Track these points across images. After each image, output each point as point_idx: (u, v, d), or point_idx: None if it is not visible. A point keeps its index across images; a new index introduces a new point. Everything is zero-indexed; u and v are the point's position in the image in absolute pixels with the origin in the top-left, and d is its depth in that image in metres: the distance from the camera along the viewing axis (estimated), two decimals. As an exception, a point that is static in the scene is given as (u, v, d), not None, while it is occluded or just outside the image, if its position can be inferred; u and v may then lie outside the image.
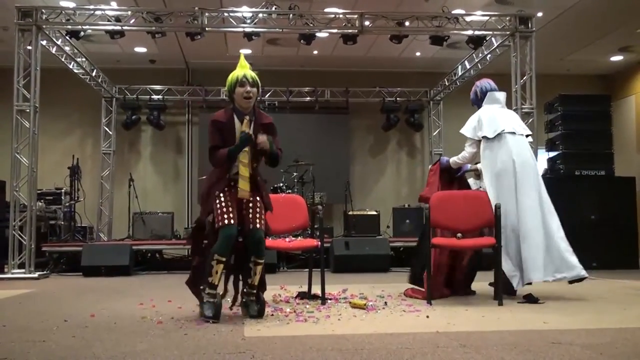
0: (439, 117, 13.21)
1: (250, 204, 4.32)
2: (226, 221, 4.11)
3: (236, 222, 4.16)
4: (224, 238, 4.10)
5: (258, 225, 4.26)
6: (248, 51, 11.76)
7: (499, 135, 5.33)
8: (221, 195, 4.22)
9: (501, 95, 5.66)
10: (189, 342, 3.31)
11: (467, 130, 5.54)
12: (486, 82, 5.74)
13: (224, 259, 4.11)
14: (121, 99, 12.57)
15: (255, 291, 4.30)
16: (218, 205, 4.17)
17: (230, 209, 4.17)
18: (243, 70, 4.37)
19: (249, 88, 4.32)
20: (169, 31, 9.34)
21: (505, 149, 5.28)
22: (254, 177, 4.40)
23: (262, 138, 4.29)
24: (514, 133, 5.36)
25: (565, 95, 9.49)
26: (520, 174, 5.19)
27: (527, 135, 5.50)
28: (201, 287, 4.21)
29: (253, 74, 4.39)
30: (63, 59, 10.22)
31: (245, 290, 4.34)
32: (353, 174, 12.76)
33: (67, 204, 10.35)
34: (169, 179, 12.97)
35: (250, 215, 4.28)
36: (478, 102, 5.70)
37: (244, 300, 4.34)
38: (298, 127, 12.49)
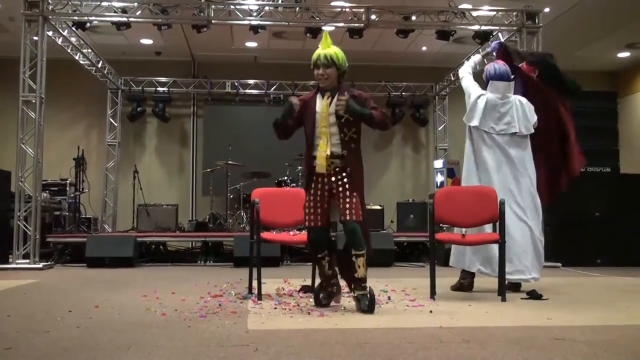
0: (444, 112, 13.18)
1: (340, 190, 4.27)
2: (312, 223, 4.30)
3: (323, 221, 4.33)
4: (310, 242, 4.38)
5: (348, 217, 4.22)
6: (254, 44, 11.76)
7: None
8: (311, 190, 4.36)
9: (501, 85, 5.45)
10: (192, 335, 3.32)
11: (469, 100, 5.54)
12: (492, 67, 5.57)
13: (317, 256, 4.39)
14: (127, 91, 12.57)
15: (364, 284, 4.23)
16: (306, 204, 4.36)
17: (318, 206, 4.32)
18: (322, 50, 4.40)
19: (321, 71, 4.37)
20: (175, 23, 9.33)
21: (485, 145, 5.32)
22: (340, 156, 4.32)
23: (339, 102, 4.26)
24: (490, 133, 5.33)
25: (572, 92, 9.44)
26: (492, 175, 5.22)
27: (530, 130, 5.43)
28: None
29: (330, 53, 4.37)
30: (69, 50, 10.21)
31: (353, 285, 4.31)
32: (358, 168, 12.71)
33: (72, 195, 10.37)
34: (174, 171, 12.98)
35: (341, 205, 4.26)
36: (485, 87, 5.61)
37: (355, 294, 4.29)
38: (303, 120, 12.46)
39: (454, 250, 5.48)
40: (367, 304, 4.15)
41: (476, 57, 5.86)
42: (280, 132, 4.48)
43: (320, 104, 4.37)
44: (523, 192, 5.21)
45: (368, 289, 4.20)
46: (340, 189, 4.27)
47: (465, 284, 5.37)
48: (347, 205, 4.23)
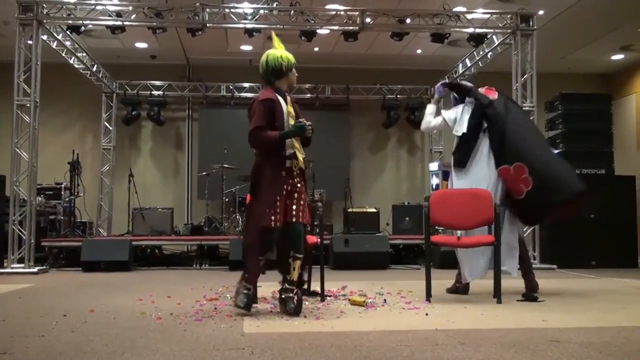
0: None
1: (296, 193, 4.29)
2: (278, 224, 4.17)
3: (282, 223, 4.21)
4: (266, 244, 4.22)
5: (301, 219, 4.25)
6: (249, 47, 11.76)
7: None
8: (276, 190, 4.23)
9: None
10: (188, 338, 3.32)
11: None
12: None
13: (262, 258, 4.23)
14: (121, 95, 12.56)
15: (293, 287, 4.24)
16: (271, 203, 4.21)
17: (279, 206, 4.20)
18: (288, 53, 4.47)
19: (296, 73, 4.51)
20: (169, 27, 9.34)
21: None
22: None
23: (310, 125, 4.35)
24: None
25: (566, 94, 9.49)
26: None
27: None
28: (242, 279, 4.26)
29: None
30: (64, 54, 10.21)
31: (284, 286, 4.31)
32: (353, 171, 12.74)
33: (66, 199, 10.35)
34: (169, 174, 12.96)
35: (294, 207, 4.26)
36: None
37: (282, 296, 4.29)
38: (298, 123, 12.47)
39: (466, 263, 5.30)
40: (293, 307, 4.15)
41: (429, 107, 5.82)
42: (280, 146, 4.30)
43: (285, 105, 4.38)
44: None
45: (295, 292, 4.21)
46: (298, 189, 4.31)
47: (460, 287, 5.38)
48: (301, 207, 4.28)
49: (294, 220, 4.24)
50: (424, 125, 5.80)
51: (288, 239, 4.26)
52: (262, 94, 4.34)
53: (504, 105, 5.36)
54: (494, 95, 5.45)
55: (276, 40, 4.57)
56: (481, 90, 5.53)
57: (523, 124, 5.42)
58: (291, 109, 4.38)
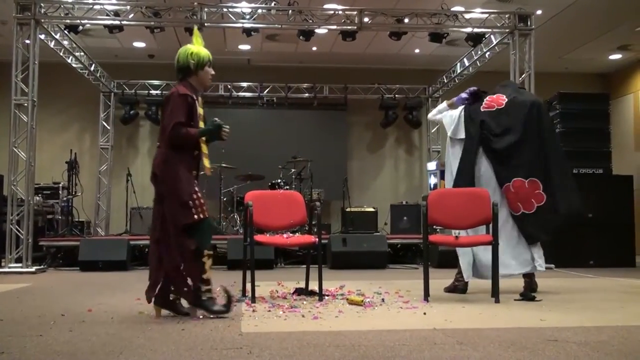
0: (438, 115, 13.18)
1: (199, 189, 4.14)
2: (207, 213, 4.04)
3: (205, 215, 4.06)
4: (210, 230, 4.11)
5: (207, 214, 4.11)
6: (247, 47, 11.75)
7: None
8: (195, 182, 4.13)
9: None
10: (186, 338, 3.31)
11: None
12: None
13: (211, 252, 4.10)
14: (119, 94, 12.55)
15: (210, 286, 4.09)
16: (195, 196, 4.03)
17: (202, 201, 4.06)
18: (206, 50, 4.34)
19: (212, 71, 4.36)
20: (167, 26, 9.34)
21: None
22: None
23: (226, 133, 4.25)
24: None
25: (564, 94, 9.49)
26: None
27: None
28: (193, 290, 3.99)
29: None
30: (61, 53, 10.19)
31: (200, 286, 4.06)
32: (351, 171, 12.74)
33: (64, 199, 10.34)
34: (167, 174, 12.92)
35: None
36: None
37: (204, 298, 4.07)
38: (296, 123, 12.50)
39: (467, 265, 5.30)
40: (215, 306, 4.02)
41: (443, 104, 5.84)
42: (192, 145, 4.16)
43: (199, 105, 4.26)
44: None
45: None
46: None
47: (459, 286, 5.38)
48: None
49: (207, 215, 4.09)
50: (430, 115, 6.03)
51: (201, 237, 4.05)
52: (182, 89, 4.18)
53: (511, 115, 5.31)
54: (501, 102, 5.42)
55: (196, 35, 4.43)
56: (490, 98, 5.50)
57: (542, 136, 5.32)
58: (202, 111, 4.26)
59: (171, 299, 4.14)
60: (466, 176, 5.32)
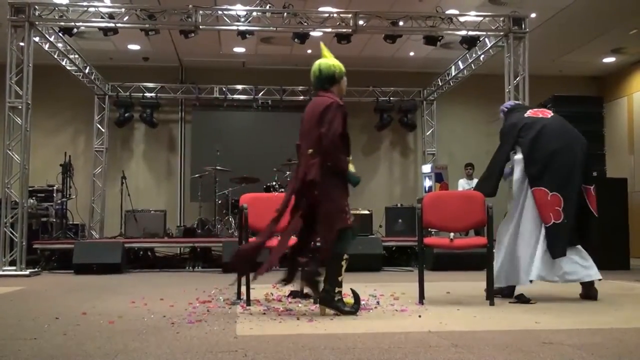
0: (432, 117, 13.21)
1: None
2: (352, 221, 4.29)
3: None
4: (353, 237, 4.31)
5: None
6: (242, 49, 11.75)
7: None
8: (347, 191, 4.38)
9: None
10: (181, 341, 3.31)
11: None
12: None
13: (348, 257, 4.30)
14: (114, 97, 12.53)
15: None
16: (347, 203, 4.32)
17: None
18: None
19: None
20: (162, 29, 9.33)
21: None
22: None
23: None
24: None
25: (558, 96, 9.51)
26: None
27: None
28: (325, 290, 4.23)
29: None
30: (56, 56, 10.18)
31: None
32: (346, 173, 12.70)
33: (59, 202, 10.31)
34: (162, 176, 12.93)
35: None
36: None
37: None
38: (291, 126, 12.33)
39: (502, 268, 5.13)
40: (346, 307, 4.26)
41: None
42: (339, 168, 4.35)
43: None
44: None
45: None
46: None
47: (505, 290, 5.16)
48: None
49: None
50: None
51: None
52: (335, 98, 4.38)
53: (555, 126, 5.27)
54: (547, 114, 5.38)
55: (325, 50, 4.69)
56: (531, 112, 5.44)
57: (575, 155, 5.24)
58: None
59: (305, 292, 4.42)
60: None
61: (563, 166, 5.10)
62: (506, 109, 5.64)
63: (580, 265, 5.05)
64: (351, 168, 4.38)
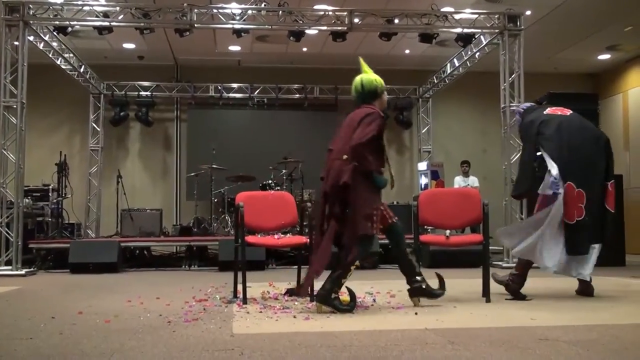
0: (428, 115, 13.21)
1: None
2: (378, 230, 4.38)
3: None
4: (372, 245, 4.46)
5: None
6: (238, 48, 11.74)
7: None
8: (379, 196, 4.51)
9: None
10: (177, 339, 3.31)
11: None
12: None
13: (359, 264, 4.42)
14: (109, 95, 12.51)
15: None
16: (376, 211, 4.39)
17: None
18: None
19: None
20: (157, 27, 9.30)
21: None
22: None
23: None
24: None
25: (554, 94, 9.50)
26: None
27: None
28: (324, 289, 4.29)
29: None
30: (50, 55, 10.15)
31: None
32: (342, 171, 12.70)
33: (54, 201, 10.29)
34: (158, 175, 12.92)
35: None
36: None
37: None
38: (287, 124, 12.49)
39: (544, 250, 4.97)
40: (342, 305, 4.30)
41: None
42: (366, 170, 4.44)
43: None
44: None
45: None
46: None
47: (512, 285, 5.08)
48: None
49: (395, 220, 4.63)
50: None
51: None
52: (376, 109, 4.50)
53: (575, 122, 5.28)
54: (566, 112, 5.38)
55: (364, 65, 4.77)
56: (549, 110, 5.44)
57: (596, 151, 5.21)
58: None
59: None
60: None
61: (584, 162, 5.06)
62: (522, 110, 5.64)
63: (576, 262, 5.05)
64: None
